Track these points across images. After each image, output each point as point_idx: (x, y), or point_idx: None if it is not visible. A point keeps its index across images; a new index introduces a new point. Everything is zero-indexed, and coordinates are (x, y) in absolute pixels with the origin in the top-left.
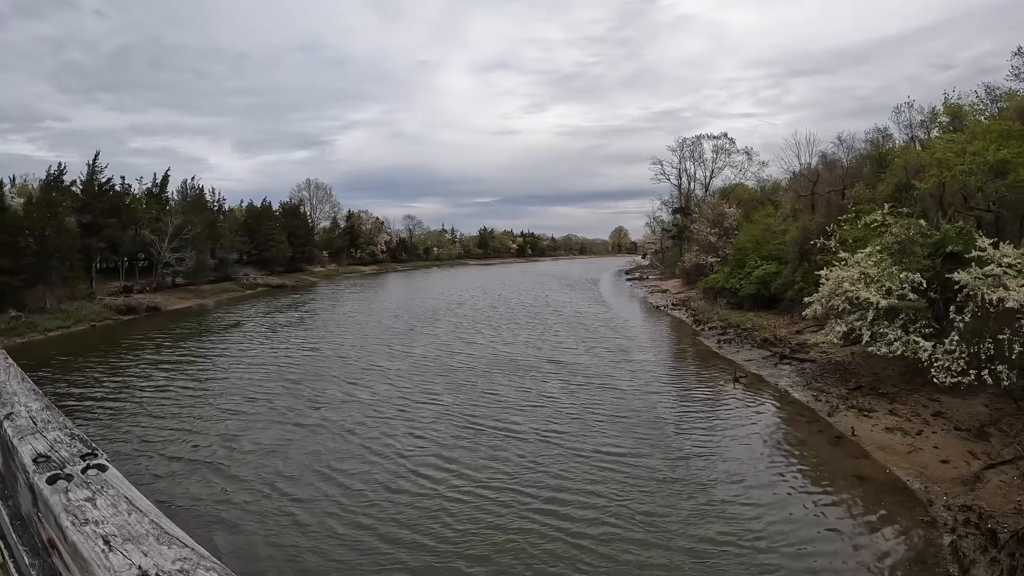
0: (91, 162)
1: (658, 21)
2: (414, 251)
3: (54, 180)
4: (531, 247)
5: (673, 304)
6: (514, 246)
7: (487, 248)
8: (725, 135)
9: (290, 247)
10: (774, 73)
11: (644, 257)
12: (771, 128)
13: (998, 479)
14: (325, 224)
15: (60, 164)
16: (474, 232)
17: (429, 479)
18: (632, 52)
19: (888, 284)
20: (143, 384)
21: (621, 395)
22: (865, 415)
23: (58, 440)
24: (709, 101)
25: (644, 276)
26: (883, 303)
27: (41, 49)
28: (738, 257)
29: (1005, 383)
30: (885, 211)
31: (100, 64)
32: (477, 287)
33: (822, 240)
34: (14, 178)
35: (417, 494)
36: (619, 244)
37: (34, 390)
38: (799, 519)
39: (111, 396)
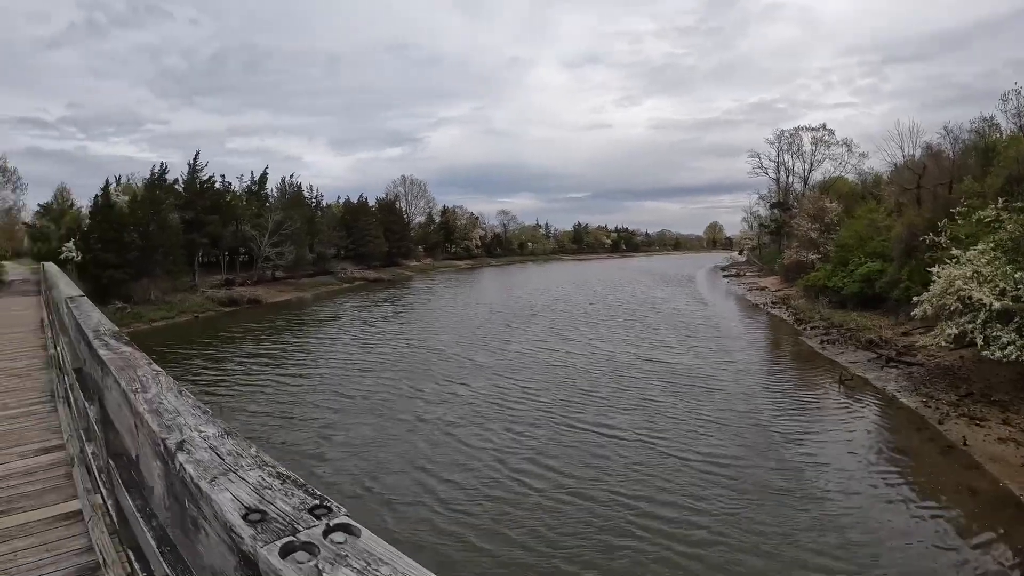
0: (192, 161)
1: (748, 10)
2: (508, 246)
3: (157, 179)
4: (625, 243)
5: (772, 302)
6: (608, 241)
7: (581, 243)
8: (824, 127)
9: (386, 242)
10: (869, 60)
11: (740, 253)
12: (868, 118)
13: None
14: (420, 219)
15: (162, 163)
16: (567, 227)
17: (526, 482)
18: (722, 42)
19: (1003, 284)
20: (242, 375)
21: (725, 397)
22: (977, 424)
23: (264, 484)
24: (803, 91)
25: (741, 273)
26: (996, 304)
27: (140, 57)
28: (841, 254)
29: None
30: (999, 206)
31: (197, 69)
32: (572, 283)
33: (931, 236)
34: (119, 177)
35: (515, 497)
36: (713, 240)
37: (199, 406)
38: (912, 533)
39: (212, 386)
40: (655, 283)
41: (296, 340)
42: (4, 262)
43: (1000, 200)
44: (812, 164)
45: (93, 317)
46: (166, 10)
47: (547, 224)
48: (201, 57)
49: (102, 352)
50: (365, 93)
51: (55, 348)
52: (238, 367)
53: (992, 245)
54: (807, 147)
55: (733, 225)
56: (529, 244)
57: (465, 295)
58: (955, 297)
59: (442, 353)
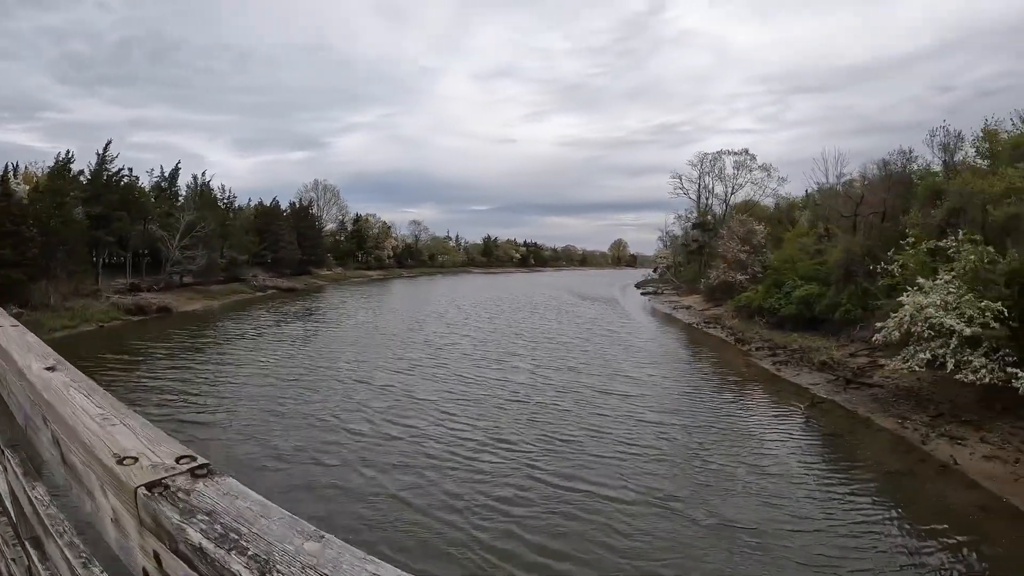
0: (101, 151)
1: (662, 34)
2: (419, 257)
3: (62, 167)
4: (533, 257)
5: (705, 321)
6: (517, 255)
7: (490, 256)
8: (746, 151)
9: (299, 249)
10: (775, 89)
11: (655, 271)
12: (770, 145)
13: None
14: (332, 226)
15: (68, 152)
16: (475, 239)
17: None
18: (635, 64)
19: (969, 312)
20: (162, 402)
21: (721, 432)
22: (959, 443)
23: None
24: (709, 116)
25: (660, 291)
26: (967, 331)
27: (44, 39)
28: (774, 276)
29: None
30: (960, 238)
31: (102, 56)
32: (491, 300)
33: (881, 264)
34: (17, 165)
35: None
36: (618, 257)
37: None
38: (939, 559)
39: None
40: (579, 301)
41: (218, 357)
42: None
43: (961, 232)
44: (733, 187)
45: None
46: None
47: (457, 236)
48: (107, 43)
49: None
50: (274, 93)
51: None
52: (159, 392)
53: (953, 275)
54: (729, 170)
55: (637, 242)
56: (439, 256)
57: (383, 310)
58: (925, 324)
59: (369, 383)
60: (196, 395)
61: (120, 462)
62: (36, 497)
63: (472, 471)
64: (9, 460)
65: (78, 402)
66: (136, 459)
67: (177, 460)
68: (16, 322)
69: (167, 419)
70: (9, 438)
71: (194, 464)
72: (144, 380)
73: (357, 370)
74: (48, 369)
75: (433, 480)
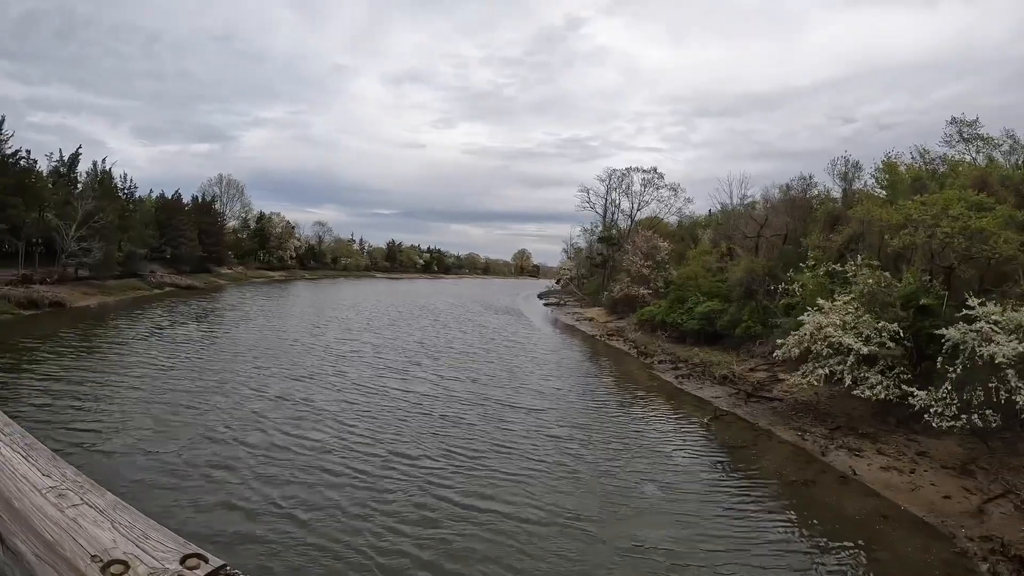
0: None
1: (576, 50)
2: (322, 259)
3: None
4: (437, 264)
5: (608, 333)
6: (420, 262)
7: (394, 262)
8: (655, 170)
9: (200, 246)
10: (681, 111)
11: (558, 282)
12: (674, 164)
13: (999, 511)
14: (234, 224)
15: None
16: (380, 243)
17: None
18: (546, 77)
19: (866, 332)
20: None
21: (623, 444)
22: (856, 455)
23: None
24: (617, 133)
25: (563, 302)
26: (864, 350)
27: None
28: (677, 292)
29: (993, 426)
30: (859, 263)
31: (4, 28)
32: (394, 306)
33: (782, 284)
34: None
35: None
36: (521, 267)
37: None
38: (845, 566)
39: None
40: (483, 311)
41: (113, 357)
42: None
43: (860, 257)
44: (640, 204)
45: None
46: None
47: (361, 240)
48: (11, 15)
49: None
50: (181, 81)
51: None
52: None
53: (852, 296)
54: (636, 187)
55: (540, 253)
56: (343, 259)
57: (284, 314)
58: (825, 343)
59: (264, 393)
60: (84, 400)
61: (104, 569)
62: None
63: (373, 489)
64: None
65: (17, 468)
66: (126, 564)
67: (183, 562)
68: None
69: (52, 426)
70: None
71: (210, 570)
72: (30, 382)
73: (255, 377)
74: None
75: (332, 498)
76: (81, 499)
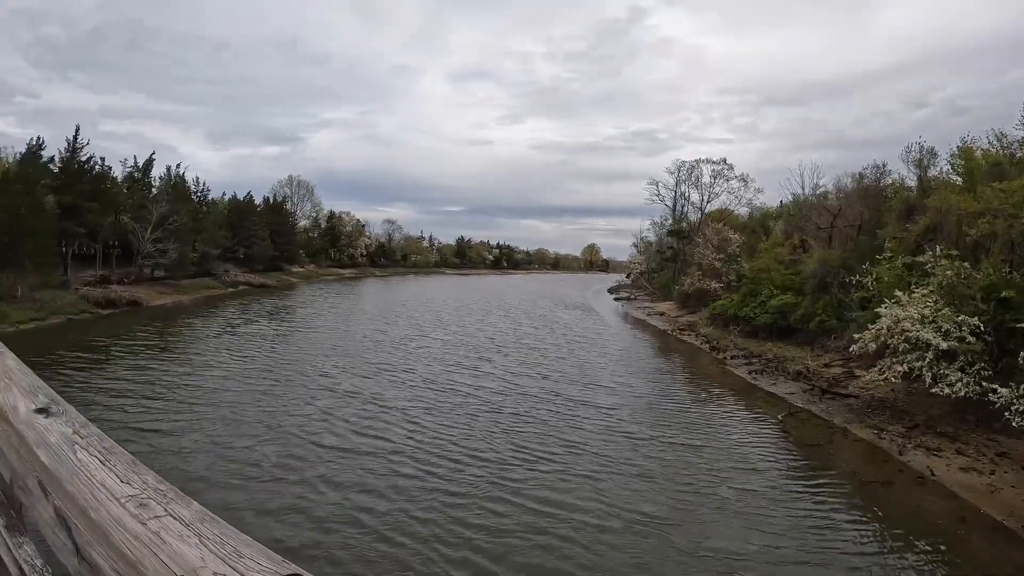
0: (72, 138)
1: (639, 41)
2: (392, 256)
3: (32, 155)
4: (506, 259)
5: (680, 328)
6: (490, 257)
7: (464, 258)
8: (724, 160)
9: (272, 245)
10: (749, 100)
11: (628, 276)
12: (744, 155)
13: None
14: (305, 223)
15: (39, 138)
16: (448, 240)
17: None
18: (610, 70)
19: (945, 326)
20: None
21: (689, 444)
22: (935, 454)
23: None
24: (684, 124)
25: (632, 296)
26: (943, 345)
27: (17, 21)
28: (750, 285)
29: None
30: (938, 253)
31: (76, 41)
32: (465, 302)
33: (857, 277)
34: None
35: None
36: (591, 261)
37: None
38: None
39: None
40: (555, 306)
41: (188, 355)
42: None
43: (939, 248)
44: (709, 196)
45: None
46: None
47: (430, 236)
48: (82, 28)
49: None
50: (248, 86)
51: None
52: (130, 394)
53: (930, 289)
54: (706, 179)
55: (609, 247)
56: (412, 256)
57: (356, 311)
58: (902, 337)
59: (342, 393)
60: (156, 399)
61: None
62: (24, 559)
63: (443, 489)
64: None
65: (95, 474)
66: None
67: None
68: None
69: (122, 426)
70: None
71: None
72: (104, 380)
73: (326, 374)
74: (40, 412)
75: (401, 496)
76: (164, 510)
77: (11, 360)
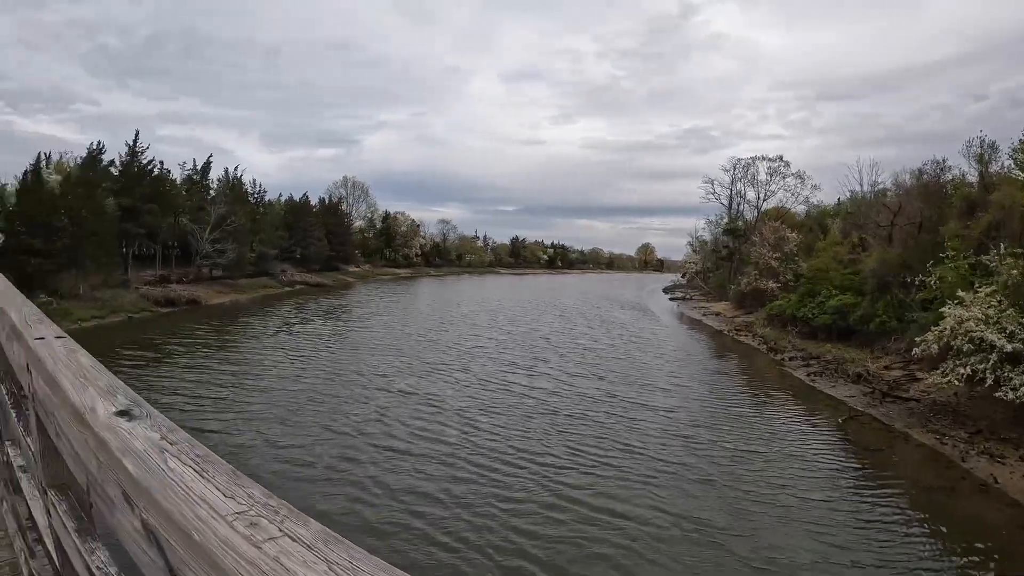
0: (131, 142)
1: (691, 38)
2: (447, 256)
3: (93, 159)
4: (561, 259)
5: (736, 329)
6: (544, 257)
7: (518, 257)
8: (781, 158)
9: (328, 245)
10: (803, 96)
11: (683, 276)
12: (798, 151)
13: None
14: (361, 223)
15: (99, 143)
16: (502, 240)
17: None
18: (663, 67)
19: (1010, 327)
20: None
21: (747, 448)
22: (998, 461)
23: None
24: (738, 121)
25: (688, 296)
26: (1008, 347)
27: (74, 31)
28: (808, 285)
29: None
30: (1002, 252)
31: (132, 50)
32: (520, 301)
33: (919, 277)
34: (49, 154)
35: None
36: (645, 261)
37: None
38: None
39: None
40: (612, 306)
41: (246, 354)
42: None
43: (1003, 246)
44: (766, 193)
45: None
46: None
47: (485, 236)
48: (138, 37)
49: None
50: (302, 90)
51: None
52: (189, 392)
53: (995, 289)
54: (762, 176)
55: (664, 247)
56: (467, 256)
57: (413, 311)
58: (966, 338)
59: (391, 391)
60: (214, 397)
61: None
62: (97, 566)
63: (498, 491)
64: (54, 504)
65: (192, 486)
66: None
67: None
68: (62, 333)
69: (177, 423)
70: (54, 475)
71: None
72: (162, 377)
73: (382, 374)
74: (121, 415)
75: (457, 497)
76: (280, 530)
77: (84, 358)
